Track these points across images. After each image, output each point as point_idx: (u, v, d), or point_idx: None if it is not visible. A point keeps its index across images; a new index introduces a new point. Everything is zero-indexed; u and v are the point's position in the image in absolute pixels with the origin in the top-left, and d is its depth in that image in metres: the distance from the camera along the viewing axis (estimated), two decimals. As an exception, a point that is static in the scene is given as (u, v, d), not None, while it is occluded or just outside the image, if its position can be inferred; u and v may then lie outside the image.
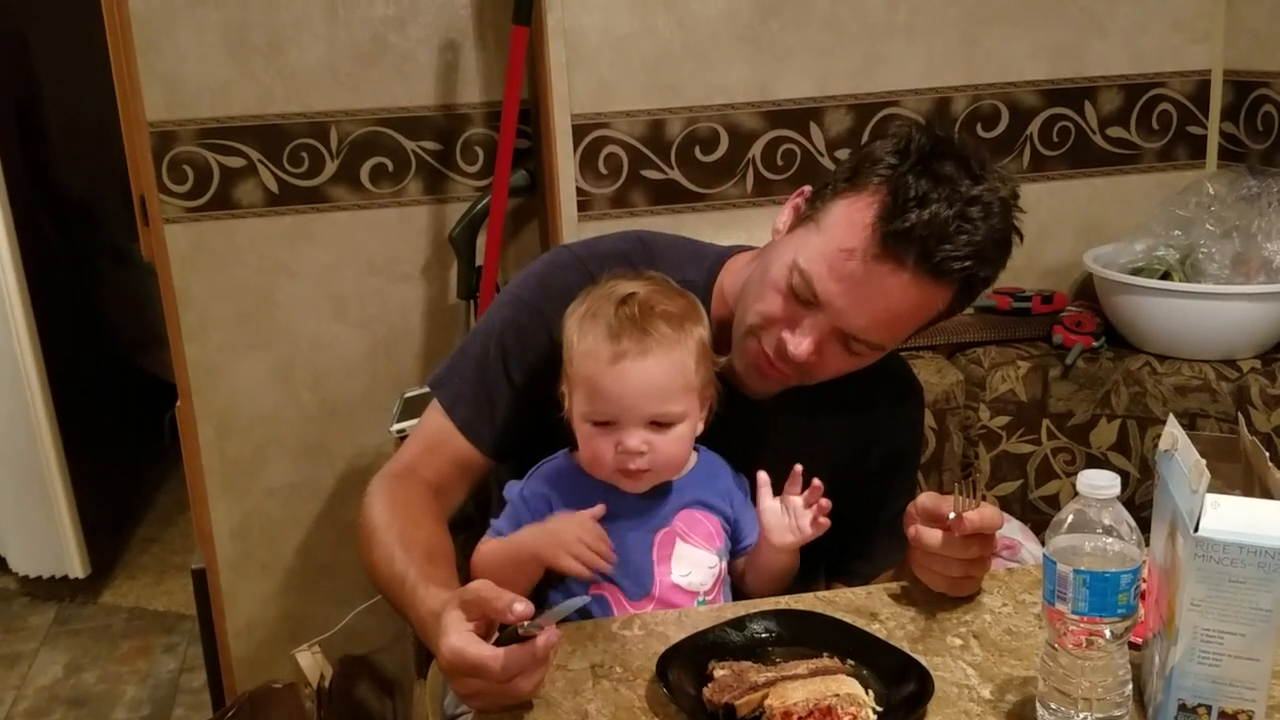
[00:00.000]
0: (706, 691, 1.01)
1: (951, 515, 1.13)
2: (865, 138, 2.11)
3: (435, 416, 1.36)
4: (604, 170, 2.07)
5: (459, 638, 1.00)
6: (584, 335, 1.19)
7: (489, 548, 1.23)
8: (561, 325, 1.23)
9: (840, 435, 1.39)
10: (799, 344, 1.20)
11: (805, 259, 1.19)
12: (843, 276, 1.17)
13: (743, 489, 1.30)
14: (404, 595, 1.16)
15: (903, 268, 1.14)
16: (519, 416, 1.34)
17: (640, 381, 1.17)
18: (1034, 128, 2.18)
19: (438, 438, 1.35)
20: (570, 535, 1.15)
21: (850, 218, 1.17)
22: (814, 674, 1.00)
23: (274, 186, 2.11)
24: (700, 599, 1.24)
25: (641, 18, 2.02)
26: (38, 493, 3.03)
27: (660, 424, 1.19)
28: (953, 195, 1.14)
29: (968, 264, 1.15)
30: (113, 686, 2.78)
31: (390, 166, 2.14)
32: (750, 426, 1.30)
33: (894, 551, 1.32)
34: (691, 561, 1.24)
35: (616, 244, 1.39)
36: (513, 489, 1.28)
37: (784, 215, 1.29)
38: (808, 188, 1.28)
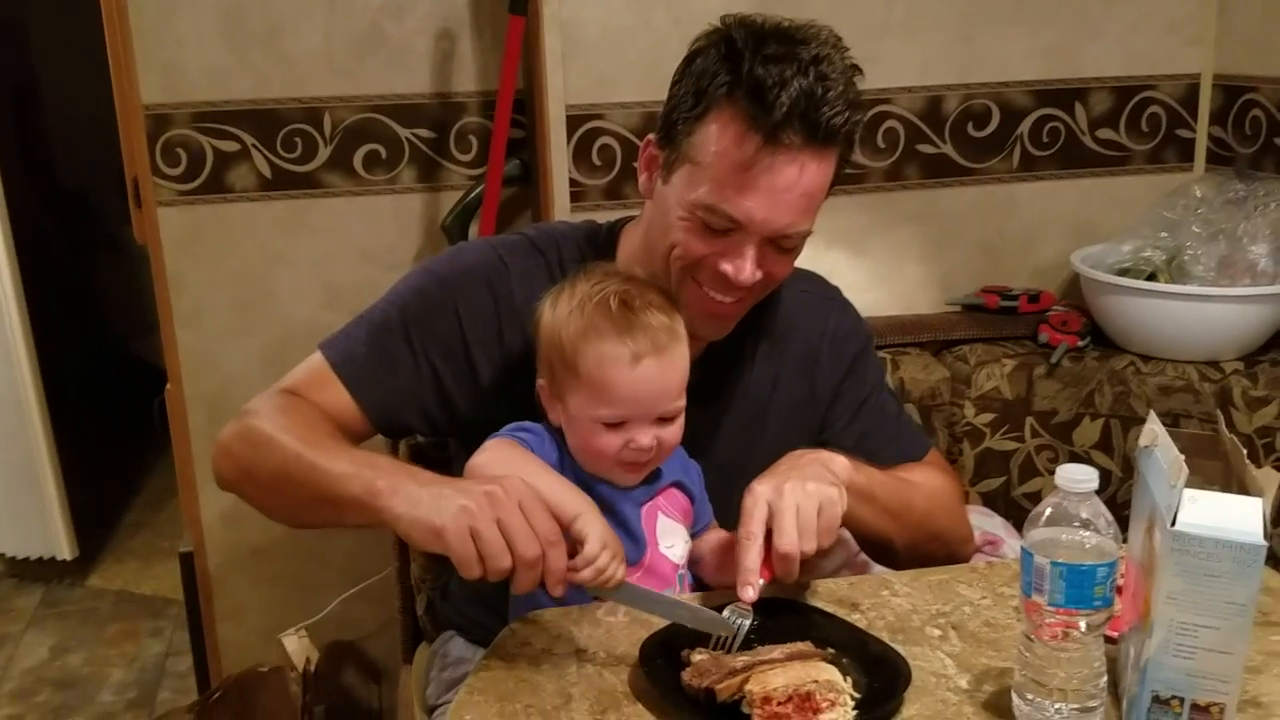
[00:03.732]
0: (685, 676, 1.02)
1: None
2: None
3: (320, 368, 1.32)
4: (597, 161, 2.07)
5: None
6: (589, 339, 1.15)
7: (520, 451, 1.17)
8: (535, 326, 1.22)
9: (778, 373, 1.40)
10: (743, 269, 1.22)
11: (703, 194, 1.20)
12: (750, 190, 1.18)
13: (697, 473, 1.31)
14: (326, 471, 1.14)
15: (797, 150, 1.17)
16: (416, 385, 1.32)
17: (660, 382, 1.17)
18: (1024, 128, 2.20)
19: (320, 380, 1.31)
20: (610, 537, 1.08)
21: (724, 136, 1.19)
22: (790, 658, 1.01)
23: (267, 171, 2.11)
24: (680, 572, 1.26)
25: (638, 11, 2.02)
26: (27, 475, 3.04)
27: (665, 418, 1.19)
28: (800, 65, 1.17)
29: (847, 114, 1.19)
30: (99, 669, 2.79)
31: (383, 154, 2.14)
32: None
33: (888, 451, 1.39)
34: (673, 534, 1.26)
35: (520, 232, 1.42)
36: (529, 426, 1.23)
37: (642, 173, 1.30)
38: (651, 135, 1.29)
